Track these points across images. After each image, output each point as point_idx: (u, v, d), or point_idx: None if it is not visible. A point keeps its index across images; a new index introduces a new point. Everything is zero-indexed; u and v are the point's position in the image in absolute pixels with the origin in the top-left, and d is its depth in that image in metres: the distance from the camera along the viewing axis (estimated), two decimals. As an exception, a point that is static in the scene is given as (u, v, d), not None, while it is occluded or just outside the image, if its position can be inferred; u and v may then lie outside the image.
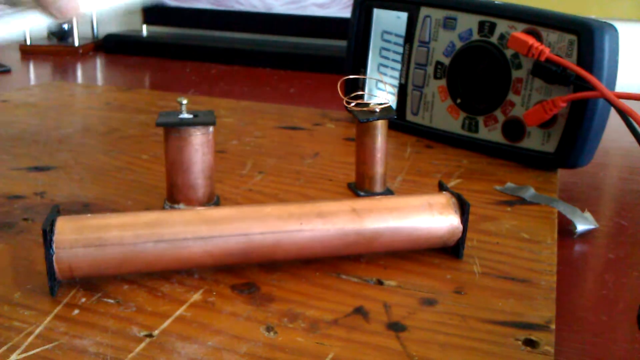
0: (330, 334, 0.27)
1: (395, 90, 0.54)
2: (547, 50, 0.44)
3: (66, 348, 0.26)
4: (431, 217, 0.32)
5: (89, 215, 0.30)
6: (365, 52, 0.56)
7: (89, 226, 0.29)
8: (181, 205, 0.36)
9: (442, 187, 0.35)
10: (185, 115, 0.36)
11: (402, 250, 0.33)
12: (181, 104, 0.36)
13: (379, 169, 0.40)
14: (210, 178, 0.37)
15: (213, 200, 0.38)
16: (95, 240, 0.29)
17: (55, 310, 0.28)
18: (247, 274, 0.32)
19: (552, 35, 0.45)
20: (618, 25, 0.44)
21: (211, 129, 0.36)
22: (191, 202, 0.37)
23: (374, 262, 0.33)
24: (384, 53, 0.56)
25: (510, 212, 0.40)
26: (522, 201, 0.41)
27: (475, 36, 0.49)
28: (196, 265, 0.31)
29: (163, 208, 0.36)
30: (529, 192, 0.42)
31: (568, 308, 0.32)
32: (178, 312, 0.28)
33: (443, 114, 0.52)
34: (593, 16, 0.45)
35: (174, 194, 0.37)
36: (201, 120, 0.35)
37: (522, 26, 0.46)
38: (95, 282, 0.30)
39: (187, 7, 1.07)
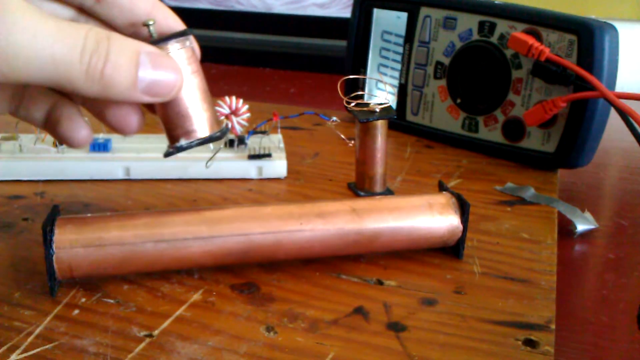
0: (330, 334, 0.27)
1: (395, 90, 0.54)
2: (547, 50, 0.44)
3: (66, 348, 0.26)
4: (431, 217, 0.32)
5: (89, 215, 0.30)
6: (365, 52, 0.56)
7: (89, 226, 0.29)
8: (182, 141, 0.29)
9: (442, 187, 0.35)
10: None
11: (402, 250, 0.33)
12: (148, 25, 0.28)
13: (379, 169, 0.40)
14: (206, 103, 0.30)
15: (222, 126, 0.30)
16: (95, 240, 0.29)
17: (55, 310, 0.28)
18: (247, 274, 0.32)
19: (552, 35, 0.45)
20: (618, 25, 0.44)
21: (188, 43, 0.29)
22: (192, 136, 0.29)
23: (374, 262, 0.33)
24: (384, 53, 0.56)
25: (510, 212, 0.39)
26: (522, 201, 0.41)
27: (475, 36, 0.49)
28: (196, 265, 0.31)
29: (166, 155, 0.30)
30: (529, 192, 0.42)
31: (568, 308, 0.32)
32: (178, 312, 0.28)
33: (443, 114, 0.52)
34: (593, 16, 0.45)
35: (169, 132, 0.30)
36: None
37: (522, 26, 0.46)
38: (95, 282, 0.30)
39: (187, 7, 1.07)
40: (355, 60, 0.57)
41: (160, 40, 0.28)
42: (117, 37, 0.25)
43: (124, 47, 0.25)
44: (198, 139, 0.29)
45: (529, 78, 0.46)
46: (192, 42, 0.30)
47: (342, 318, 0.28)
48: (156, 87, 0.26)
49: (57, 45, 0.24)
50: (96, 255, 0.29)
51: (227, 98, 0.44)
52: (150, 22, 0.28)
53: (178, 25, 0.30)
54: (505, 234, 0.36)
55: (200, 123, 0.29)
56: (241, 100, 0.44)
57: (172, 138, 0.30)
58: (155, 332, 0.27)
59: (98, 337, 0.26)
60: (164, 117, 0.29)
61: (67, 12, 0.29)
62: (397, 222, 0.32)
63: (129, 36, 0.30)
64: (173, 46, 0.28)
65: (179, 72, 0.27)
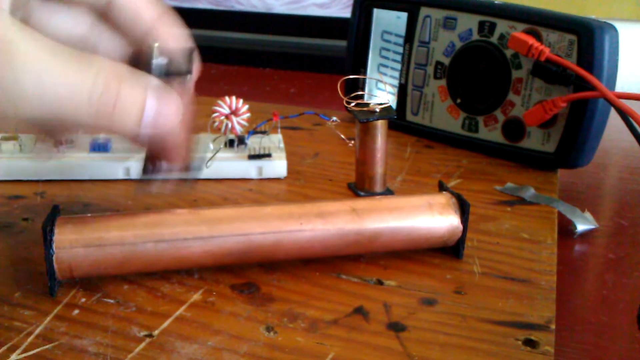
0: (330, 334, 0.27)
1: (395, 90, 0.54)
2: (547, 50, 0.44)
3: (66, 348, 0.26)
4: (431, 217, 0.32)
5: (89, 215, 0.30)
6: (365, 52, 0.56)
7: (89, 226, 0.29)
8: (163, 165, 0.31)
9: (442, 187, 0.35)
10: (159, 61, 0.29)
11: (402, 250, 0.33)
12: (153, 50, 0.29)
13: (379, 169, 0.40)
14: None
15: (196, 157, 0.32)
16: (95, 240, 0.29)
17: (55, 310, 0.28)
18: (247, 274, 0.32)
19: (552, 35, 0.45)
20: (618, 25, 0.44)
21: (188, 76, 0.30)
22: (172, 166, 0.31)
23: (374, 262, 0.33)
24: (384, 53, 0.56)
25: (510, 212, 0.39)
26: (522, 201, 0.41)
27: (475, 36, 0.49)
28: (196, 265, 0.31)
29: (143, 172, 0.31)
30: (529, 192, 0.42)
31: (568, 308, 0.32)
32: (178, 312, 0.28)
33: (443, 114, 0.52)
34: (593, 16, 0.45)
35: (152, 158, 0.32)
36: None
37: (522, 26, 0.46)
38: (95, 282, 0.30)
39: (187, 7, 1.07)
40: (355, 60, 0.57)
41: (164, 73, 0.28)
42: (126, 77, 0.25)
43: (134, 88, 0.25)
44: (176, 171, 0.30)
45: (529, 78, 0.46)
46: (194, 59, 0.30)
47: (342, 318, 0.28)
48: (158, 125, 0.26)
49: (64, 86, 0.23)
50: (96, 255, 0.29)
51: (227, 98, 0.44)
52: (155, 47, 0.28)
53: (179, 43, 0.30)
54: (505, 234, 0.36)
55: (181, 156, 0.30)
56: (241, 100, 0.44)
57: (152, 159, 0.30)
58: (155, 332, 0.27)
59: (98, 337, 0.26)
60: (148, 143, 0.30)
61: (86, 18, 0.29)
62: (397, 222, 0.32)
63: (136, 41, 0.30)
64: (175, 82, 0.28)
65: (180, 110, 0.27)
